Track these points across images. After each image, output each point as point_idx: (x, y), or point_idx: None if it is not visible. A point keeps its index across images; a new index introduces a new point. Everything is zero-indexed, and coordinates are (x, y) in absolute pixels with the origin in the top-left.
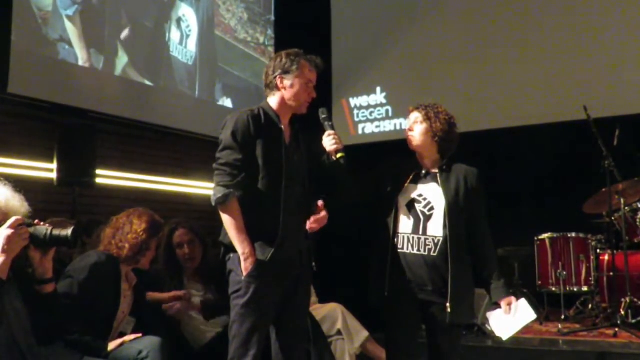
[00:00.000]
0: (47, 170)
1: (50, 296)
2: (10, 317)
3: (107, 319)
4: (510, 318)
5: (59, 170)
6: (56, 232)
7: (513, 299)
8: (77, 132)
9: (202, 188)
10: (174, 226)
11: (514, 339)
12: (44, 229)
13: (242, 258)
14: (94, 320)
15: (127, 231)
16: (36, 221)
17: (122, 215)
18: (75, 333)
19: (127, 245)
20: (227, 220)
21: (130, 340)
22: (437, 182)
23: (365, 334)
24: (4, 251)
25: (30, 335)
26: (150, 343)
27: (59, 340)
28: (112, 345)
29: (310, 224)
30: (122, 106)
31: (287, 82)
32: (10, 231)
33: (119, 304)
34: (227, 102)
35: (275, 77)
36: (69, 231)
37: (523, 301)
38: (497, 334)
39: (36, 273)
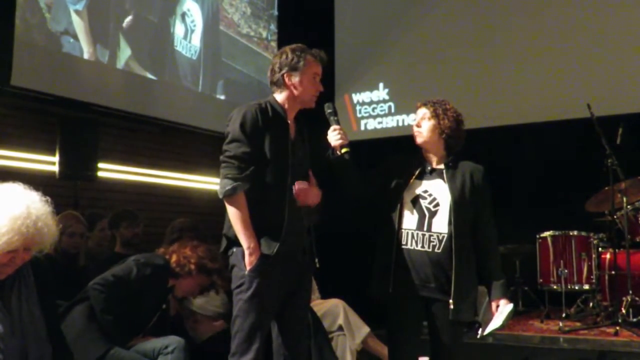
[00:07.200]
0: (49, 163)
1: None
2: (25, 326)
3: (143, 321)
4: (494, 317)
5: (61, 164)
6: None
7: (502, 301)
8: (80, 125)
9: (204, 182)
10: (180, 235)
11: (514, 337)
12: None
13: (246, 252)
14: (133, 317)
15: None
16: None
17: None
18: (112, 317)
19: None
20: (233, 213)
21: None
22: (442, 178)
23: (366, 330)
24: None
25: (46, 344)
26: (175, 340)
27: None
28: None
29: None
30: (125, 100)
31: (295, 79)
32: None
33: (157, 312)
34: (230, 97)
35: (283, 74)
36: None
37: (506, 308)
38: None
39: None
